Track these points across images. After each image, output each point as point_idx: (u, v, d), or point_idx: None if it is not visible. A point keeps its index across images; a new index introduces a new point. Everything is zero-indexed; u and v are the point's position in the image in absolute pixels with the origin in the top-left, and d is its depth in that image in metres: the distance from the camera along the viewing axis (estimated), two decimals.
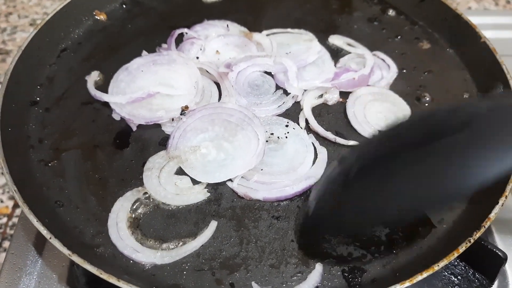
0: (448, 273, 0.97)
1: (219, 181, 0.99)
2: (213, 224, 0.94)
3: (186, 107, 1.07)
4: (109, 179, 1.01)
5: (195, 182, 1.00)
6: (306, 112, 1.13)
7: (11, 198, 1.25)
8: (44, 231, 0.84)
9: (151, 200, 0.98)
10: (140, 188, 0.99)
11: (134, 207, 0.97)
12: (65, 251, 0.82)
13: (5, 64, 1.06)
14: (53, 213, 0.94)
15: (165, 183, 0.98)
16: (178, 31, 1.25)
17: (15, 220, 1.27)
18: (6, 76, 1.08)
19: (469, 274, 0.97)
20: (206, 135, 1.04)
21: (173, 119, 1.07)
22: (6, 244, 1.25)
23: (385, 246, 0.93)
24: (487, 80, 1.17)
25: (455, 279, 0.97)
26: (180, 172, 1.01)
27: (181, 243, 0.92)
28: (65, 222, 0.94)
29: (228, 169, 0.99)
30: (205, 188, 0.99)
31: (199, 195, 0.98)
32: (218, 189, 1.00)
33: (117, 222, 0.93)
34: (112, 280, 0.79)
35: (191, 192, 0.99)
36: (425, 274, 0.81)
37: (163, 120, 1.07)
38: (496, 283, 0.99)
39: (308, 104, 1.15)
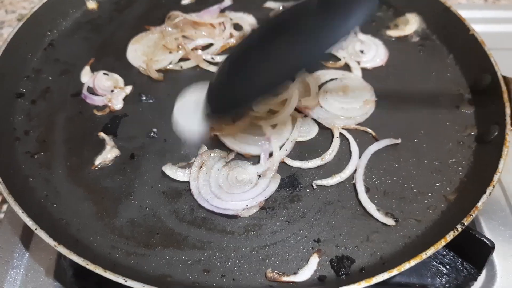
0: (436, 263, 0.97)
1: None
2: None
3: None
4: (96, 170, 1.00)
5: None
6: None
7: None
8: (30, 222, 0.83)
9: None
10: None
11: None
12: (51, 242, 0.81)
13: None
14: (39, 204, 0.94)
15: None
16: None
17: (1, 216, 1.25)
18: None
19: (458, 263, 0.97)
20: None
21: None
22: None
23: (373, 236, 0.92)
24: (476, 72, 1.17)
25: (444, 269, 0.97)
26: None
27: None
28: (51, 214, 0.93)
29: None
30: None
31: None
32: None
33: None
34: (99, 270, 0.79)
35: None
36: (413, 262, 0.81)
37: None
38: (484, 272, 1.00)
39: None
